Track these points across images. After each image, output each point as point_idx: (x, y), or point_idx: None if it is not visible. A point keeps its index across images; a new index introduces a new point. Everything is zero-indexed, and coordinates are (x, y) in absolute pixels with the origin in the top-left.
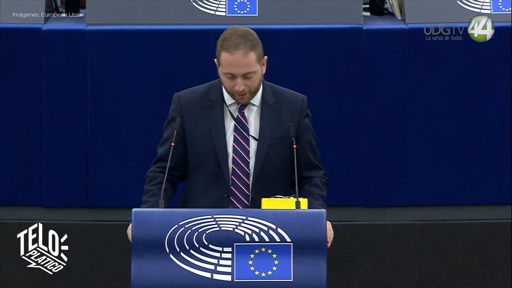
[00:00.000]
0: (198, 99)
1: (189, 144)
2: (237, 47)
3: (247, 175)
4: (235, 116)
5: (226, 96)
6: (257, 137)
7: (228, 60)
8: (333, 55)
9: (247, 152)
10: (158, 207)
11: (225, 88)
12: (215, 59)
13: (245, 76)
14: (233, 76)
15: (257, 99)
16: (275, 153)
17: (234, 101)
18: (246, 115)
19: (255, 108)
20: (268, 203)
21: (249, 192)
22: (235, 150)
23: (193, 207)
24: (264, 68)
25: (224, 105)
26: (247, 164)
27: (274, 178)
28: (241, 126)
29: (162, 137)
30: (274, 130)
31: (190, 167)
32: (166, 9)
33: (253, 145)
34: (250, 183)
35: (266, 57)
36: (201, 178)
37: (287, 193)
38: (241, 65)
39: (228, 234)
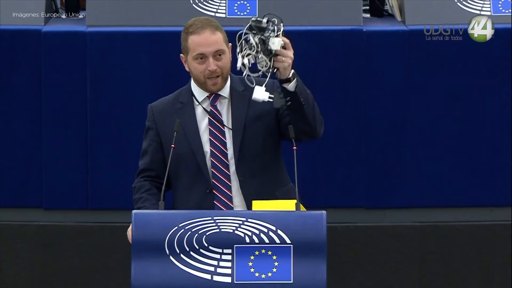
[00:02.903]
0: (169, 104)
1: (166, 148)
2: (203, 28)
3: (226, 166)
4: (208, 110)
5: (197, 93)
6: (230, 126)
7: (197, 41)
8: (333, 57)
9: (224, 144)
10: (156, 209)
11: (196, 76)
12: (181, 55)
13: (216, 55)
14: (204, 57)
15: (226, 91)
16: (252, 132)
17: (205, 96)
18: (218, 108)
19: (226, 101)
20: (258, 205)
21: (230, 183)
22: (212, 144)
23: (179, 207)
24: (230, 56)
25: (195, 103)
26: (226, 156)
27: (258, 158)
28: (216, 118)
29: (142, 148)
30: (247, 112)
31: (172, 170)
32: (166, 11)
33: (229, 136)
34: (231, 173)
35: (230, 44)
36: (183, 178)
37: (280, 173)
38: (211, 43)
39: (228, 236)
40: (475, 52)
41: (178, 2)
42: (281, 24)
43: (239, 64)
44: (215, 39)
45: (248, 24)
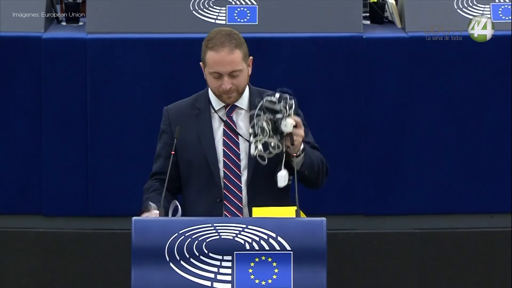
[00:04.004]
0: (185, 109)
1: (180, 153)
2: (223, 45)
3: (238, 177)
4: (224, 120)
5: (213, 101)
6: (247, 139)
7: (214, 59)
8: (333, 64)
9: (238, 155)
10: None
11: (211, 89)
12: (201, 62)
13: (232, 74)
14: (219, 75)
15: (244, 103)
16: None
17: (222, 105)
18: (234, 119)
19: (243, 112)
20: (258, 212)
21: (241, 195)
22: (225, 154)
23: (188, 214)
24: (250, 69)
25: (212, 111)
26: (238, 167)
27: (269, 179)
28: (230, 129)
29: (156, 151)
30: None
31: (183, 175)
32: (166, 18)
33: (243, 148)
34: (243, 185)
35: (251, 57)
36: (194, 184)
37: (286, 192)
38: (227, 63)
39: (228, 243)
40: (475, 59)
41: (178, 9)
42: (293, 100)
43: (252, 151)
44: (232, 59)
45: (261, 105)
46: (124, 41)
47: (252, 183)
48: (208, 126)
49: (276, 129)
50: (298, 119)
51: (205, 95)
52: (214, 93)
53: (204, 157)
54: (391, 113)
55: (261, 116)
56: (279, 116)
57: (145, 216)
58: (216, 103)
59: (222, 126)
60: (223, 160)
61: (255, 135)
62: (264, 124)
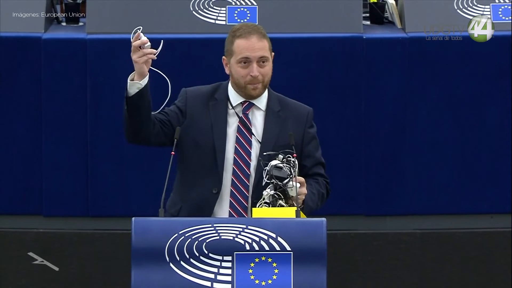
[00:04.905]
0: (204, 95)
1: (188, 134)
2: (251, 34)
3: (247, 176)
4: (239, 116)
5: (232, 96)
6: (260, 140)
7: (244, 45)
8: (333, 64)
9: (249, 154)
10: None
11: (236, 80)
12: (223, 57)
13: (260, 61)
14: (248, 62)
15: (262, 103)
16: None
17: (239, 102)
18: (249, 117)
19: (259, 112)
20: (258, 213)
21: (248, 194)
22: (236, 151)
23: (180, 198)
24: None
25: (229, 105)
26: (248, 166)
27: None
28: (245, 127)
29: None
30: (277, 137)
31: (184, 156)
32: (166, 18)
33: (255, 148)
34: (250, 184)
35: (273, 53)
36: (193, 170)
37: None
38: (257, 49)
39: (228, 243)
40: (475, 59)
41: (178, 9)
42: (296, 161)
43: None
44: (261, 46)
45: (268, 173)
46: (124, 41)
47: (260, 181)
48: (223, 118)
49: (285, 194)
50: (302, 180)
51: (225, 88)
52: (239, 84)
53: (212, 147)
54: (392, 114)
55: (270, 185)
56: (286, 181)
57: (137, 38)
58: (234, 99)
59: (236, 123)
60: (234, 157)
61: (267, 204)
62: (276, 196)
